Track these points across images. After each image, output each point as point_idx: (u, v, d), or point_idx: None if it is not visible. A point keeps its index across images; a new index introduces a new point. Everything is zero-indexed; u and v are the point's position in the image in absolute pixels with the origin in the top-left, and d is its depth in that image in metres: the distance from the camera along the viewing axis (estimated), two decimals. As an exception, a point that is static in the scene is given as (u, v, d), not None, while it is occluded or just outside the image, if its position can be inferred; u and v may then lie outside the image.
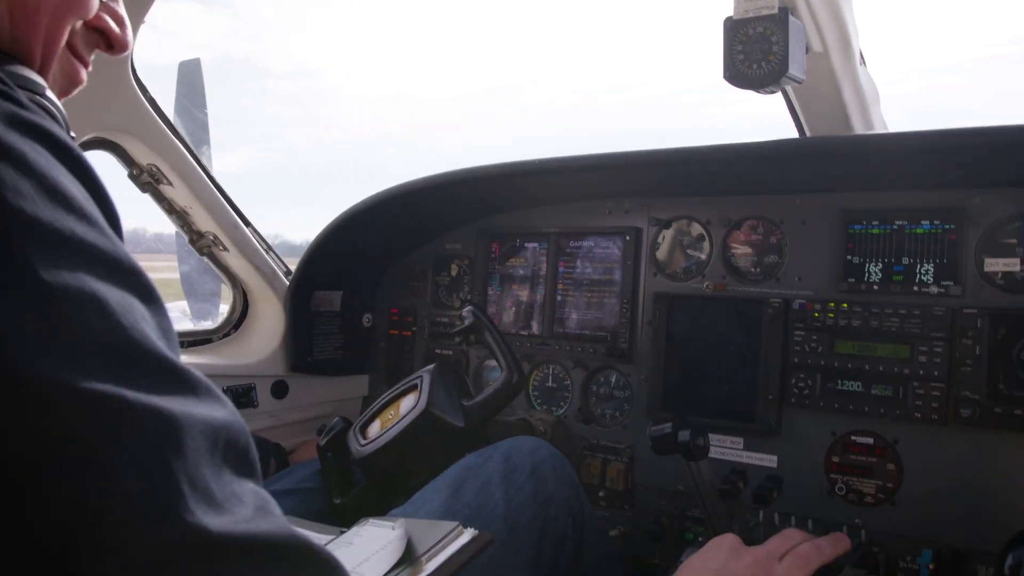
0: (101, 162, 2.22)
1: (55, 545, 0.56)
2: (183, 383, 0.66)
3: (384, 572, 1.15)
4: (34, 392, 0.56)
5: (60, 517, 0.56)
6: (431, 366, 2.03)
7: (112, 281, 0.64)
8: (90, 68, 0.98)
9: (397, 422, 1.93)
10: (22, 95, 0.69)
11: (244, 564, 0.62)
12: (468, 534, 1.22)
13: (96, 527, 0.57)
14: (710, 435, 1.74)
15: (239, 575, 0.62)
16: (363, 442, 1.97)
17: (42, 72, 0.86)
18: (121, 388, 0.60)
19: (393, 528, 1.28)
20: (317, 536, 1.47)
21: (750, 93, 1.68)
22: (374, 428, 2.02)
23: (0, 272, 0.58)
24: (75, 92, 0.97)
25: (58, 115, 0.85)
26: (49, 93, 0.85)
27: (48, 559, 0.56)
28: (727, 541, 1.39)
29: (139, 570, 0.57)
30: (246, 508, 0.65)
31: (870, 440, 2.01)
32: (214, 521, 0.61)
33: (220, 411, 0.67)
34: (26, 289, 0.58)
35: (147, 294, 0.68)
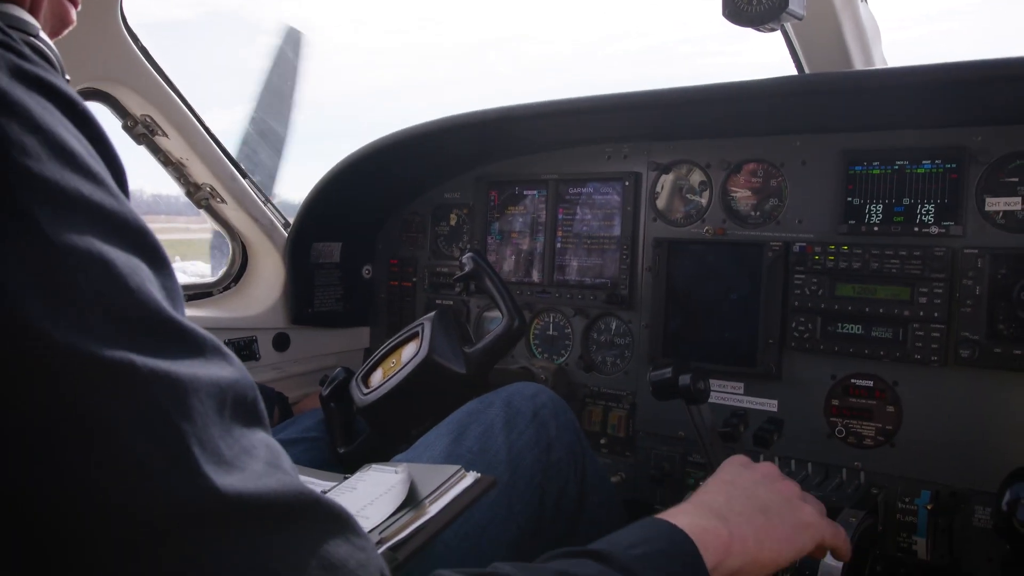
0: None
1: (63, 512, 0.56)
2: (189, 344, 0.65)
3: (388, 515, 1.16)
4: (39, 355, 0.55)
5: (68, 483, 0.56)
6: (432, 313, 2.03)
7: (118, 242, 0.63)
8: (79, 7, 0.95)
9: (399, 370, 1.93)
10: (24, 46, 0.67)
11: (257, 521, 0.62)
12: (470, 477, 1.22)
13: (106, 493, 0.56)
14: (711, 380, 1.75)
15: (252, 532, 0.61)
16: (366, 391, 1.97)
17: (33, 12, 0.84)
18: (127, 352, 0.59)
19: (396, 472, 1.29)
20: (321, 483, 1.49)
21: (750, 41, 1.66)
22: (376, 377, 2.02)
23: (5, 232, 0.56)
24: (64, 33, 0.95)
25: (53, 57, 0.84)
26: (42, 34, 0.83)
27: (56, 526, 0.56)
28: (734, 460, 1.34)
29: (153, 534, 0.57)
30: (257, 463, 0.65)
31: (870, 383, 2.02)
32: (226, 480, 0.60)
33: (227, 369, 0.67)
34: (32, 249, 0.57)
35: (153, 255, 0.67)
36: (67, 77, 0.90)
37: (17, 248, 0.56)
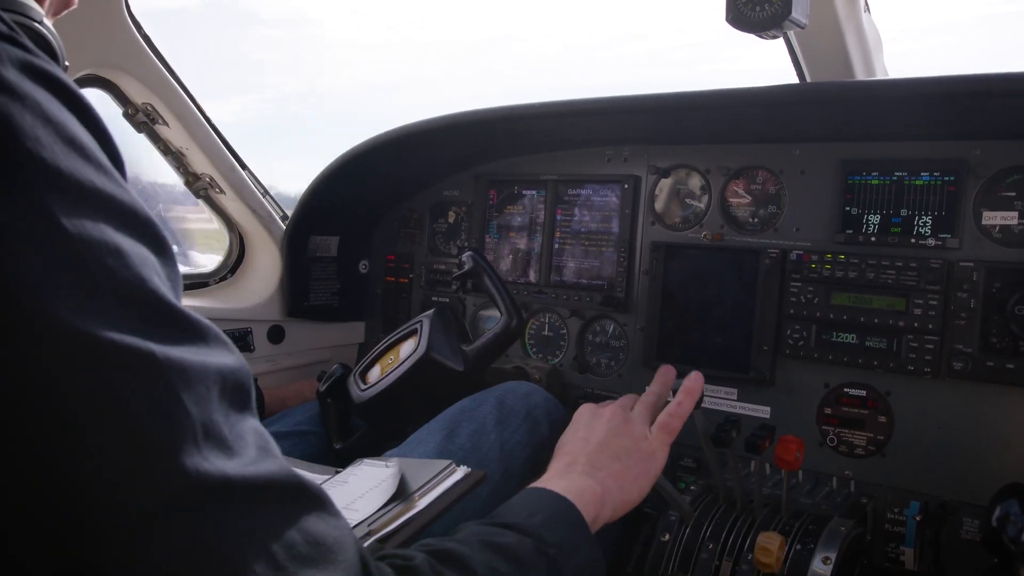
0: (95, 100, 2.19)
1: (73, 494, 0.57)
2: (195, 332, 0.67)
3: (377, 508, 1.16)
4: (56, 340, 0.57)
5: (79, 464, 0.57)
6: (430, 311, 2.03)
7: (129, 232, 0.65)
8: None
9: (397, 367, 1.93)
10: (27, 40, 0.67)
11: (253, 501, 0.65)
12: (461, 472, 1.23)
13: (115, 472, 0.58)
14: (704, 386, 1.75)
15: (250, 512, 0.64)
16: (363, 387, 1.97)
17: None
18: (141, 339, 0.61)
19: (387, 467, 1.29)
20: (313, 476, 1.49)
21: (750, 47, 1.66)
22: (374, 373, 2.02)
23: (23, 220, 0.57)
24: (65, 13, 0.95)
25: (55, 44, 0.84)
26: (46, 21, 0.83)
27: (65, 507, 0.57)
28: (583, 411, 1.53)
29: (155, 513, 0.59)
30: (251, 448, 0.68)
31: (863, 392, 2.02)
32: (228, 464, 0.63)
33: (228, 357, 0.69)
34: (49, 238, 0.59)
35: (159, 245, 0.69)
36: (66, 64, 0.90)
37: (34, 237, 0.58)
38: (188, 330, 0.66)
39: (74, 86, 0.68)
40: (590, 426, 1.46)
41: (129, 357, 0.59)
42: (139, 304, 0.62)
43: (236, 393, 0.69)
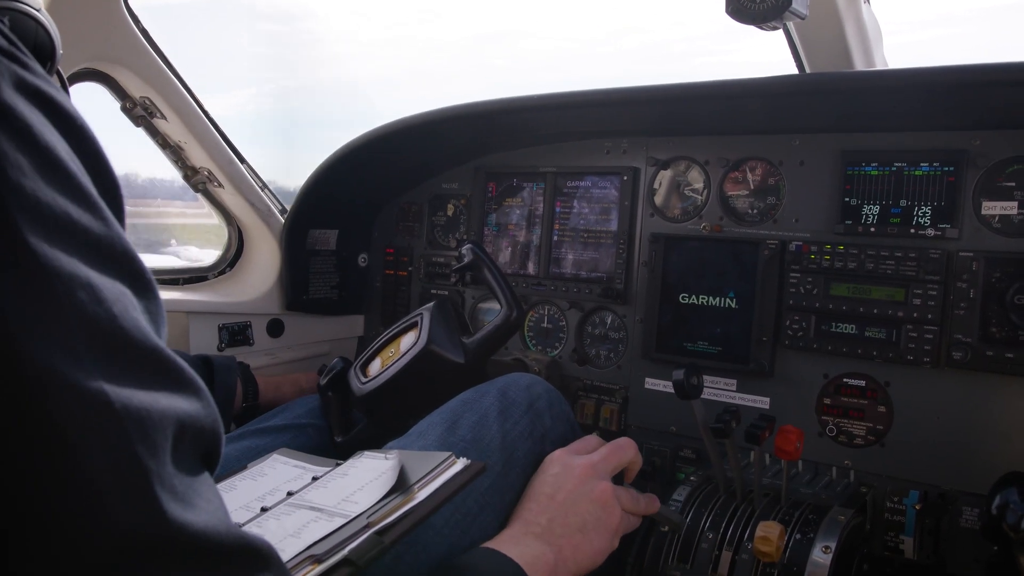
0: (93, 94, 2.19)
1: (16, 536, 0.56)
2: (163, 374, 0.65)
3: (376, 500, 1.16)
4: (18, 373, 0.55)
5: (25, 506, 0.56)
6: (430, 304, 2.03)
7: (104, 267, 0.63)
8: None
9: (397, 359, 1.93)
10: (25, 54, 0.65)
11: (202, 558, 0.63)
12: (461, 463, 1.23)
13: (62, 520, 0.56)
14: (704, 377, 1.75)
15: (198, 569, 0.62)
16: (364, 380, 1.97)
17: None
18: (104, 382, 0.59)
19: (387, 459, 1.29)
20: (314, 468, 1.49)
21: (749, 39, 1.66)
22: (375, 366, 2.02)
23: None
24: None
25: (52, 35, 0.83)
26: (44, 11, 0.83)
27: (7, 551, 0.56)
28: (554, 459, 1.49)
29: (105, 565, 0.57)
30: (203, 500, 0.66)
31: (862, 382, 2.03)
32: (184, 516, 0.61)
33: (195, 403, 0.67)
34: (19, 266, 0.57)
35: (138, 280, 0.67)
36: (61, 52, 0.90)
37: (4, 263, 0.56)
38: (157, 371, 0.64)
39: (70, 105, 0.66)
40: (558, 482, 1.43)
41: (84, 398, 0.57)
42: (107, 342, 0.60)
43: (196, 444, 0.67)
